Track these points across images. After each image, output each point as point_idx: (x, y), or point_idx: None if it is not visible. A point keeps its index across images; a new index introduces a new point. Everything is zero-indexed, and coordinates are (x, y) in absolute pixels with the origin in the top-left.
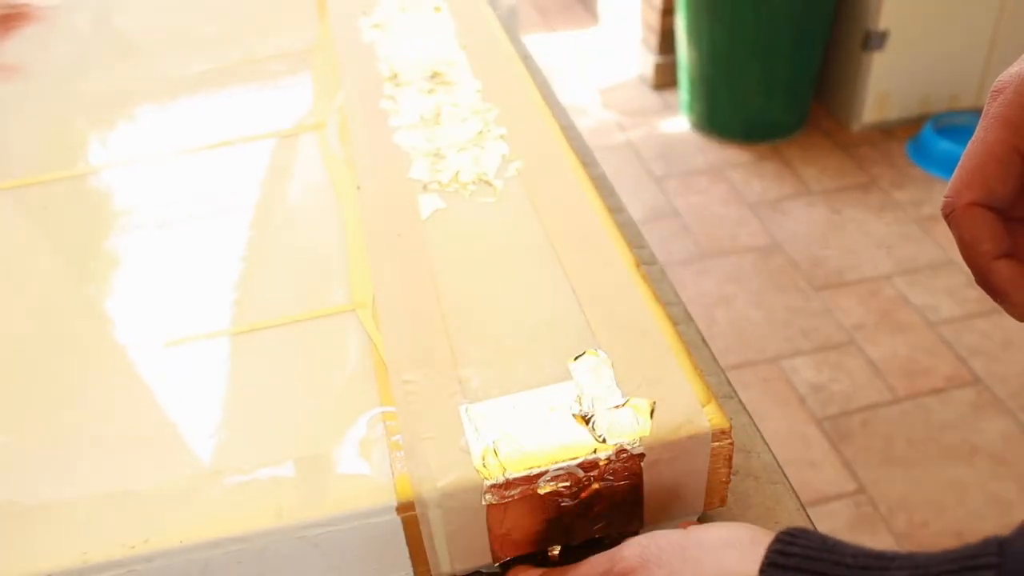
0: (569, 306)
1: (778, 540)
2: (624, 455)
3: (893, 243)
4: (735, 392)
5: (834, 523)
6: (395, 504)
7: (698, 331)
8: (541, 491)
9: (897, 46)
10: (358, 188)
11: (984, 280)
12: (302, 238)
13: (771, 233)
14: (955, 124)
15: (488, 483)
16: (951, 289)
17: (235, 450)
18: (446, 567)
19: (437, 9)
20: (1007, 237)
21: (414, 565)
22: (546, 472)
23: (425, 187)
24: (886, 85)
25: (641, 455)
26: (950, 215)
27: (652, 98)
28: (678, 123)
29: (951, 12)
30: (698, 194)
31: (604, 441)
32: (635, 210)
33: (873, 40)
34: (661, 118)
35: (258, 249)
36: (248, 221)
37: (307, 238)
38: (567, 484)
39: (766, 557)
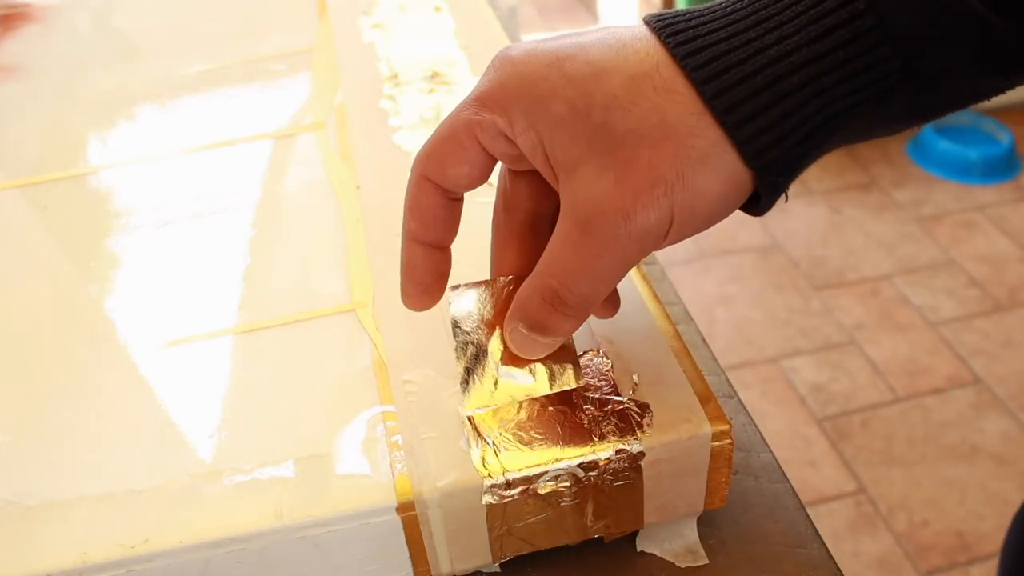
0: None
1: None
2: (624, 455)
3: (893, 243)
4: (735, 392)
5: (834, 523)
6: (395, 504)
7: (698, 331)
8: (541, 491)
9: None
10: (358, 188)
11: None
12: (302, 238)
13: (771, 233)
14: (955, 124)
15: (488, 483)
16: (951, 289)
17: (235, 450)
18: (446, 567)
19: (437, 9)
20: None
21: (414, 565)
22: (546, 472)
23: None
24: None
25: (641, 455)
26: (409, 184)
27: None
28: None
29: None
30: None
31: (604, 441)
32: None
33: None
34: None
35: (258, 249)
36: (248, 221)
37: (307, 238)
38: (567, 484)
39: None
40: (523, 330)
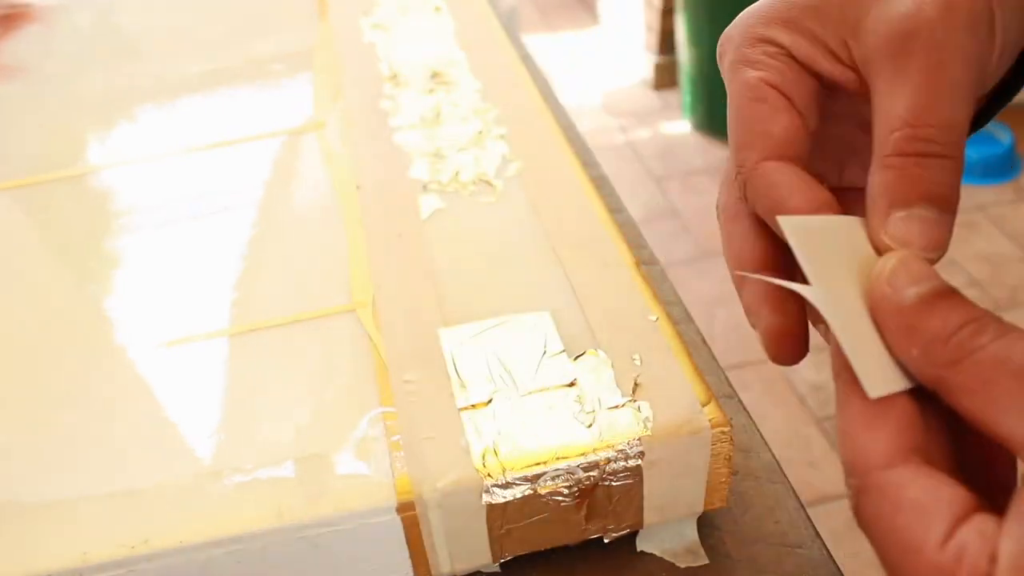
0: (569, 306)
1: None
2: (624, 455)
3: None
4: (735, 392)
5: (833, 523)
6: (395, 504)
7: (698, 331)
8: (541, 491)
9: None
10: (358, 188)
11: None
12: (302, 238)
13: None
14: None
15: (488, 483)
16: None
17: (235, 450)
18: (446, 567)
19: (437, 9)
20: (821, 189)
21: (414, 565)
22: (546, 472)
23: (425, 187)
24: None
25: (641, 455)
26: (746, 186)
27: (652, 98)
28: (678, 124)
29: None
30: (698, 194)
31: (604, 441)
32: (635, 210)
33: None
34: (661, 118)
35: (258, 249)
36: (248, 221)
37: (307, 238)
38: (567, 484)
39: None
40: (924, 211)
